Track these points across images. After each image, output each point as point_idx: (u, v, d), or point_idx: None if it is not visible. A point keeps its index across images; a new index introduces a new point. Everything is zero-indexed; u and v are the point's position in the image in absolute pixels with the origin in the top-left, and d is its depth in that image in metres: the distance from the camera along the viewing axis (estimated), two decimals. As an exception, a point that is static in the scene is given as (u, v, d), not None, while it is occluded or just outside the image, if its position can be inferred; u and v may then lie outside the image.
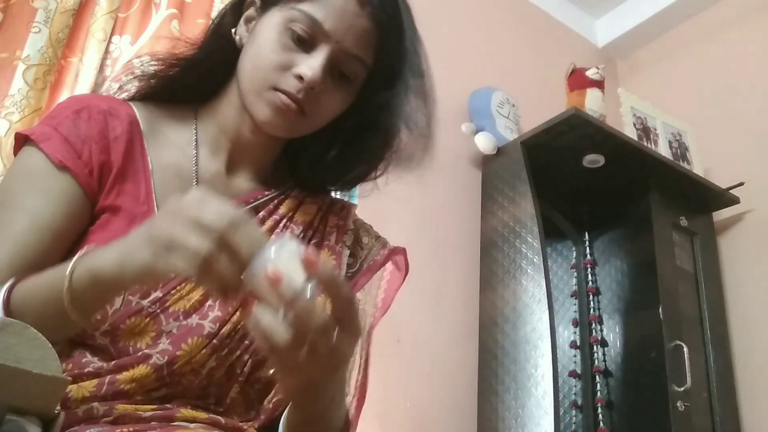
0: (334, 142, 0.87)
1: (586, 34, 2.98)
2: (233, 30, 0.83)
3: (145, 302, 0.72)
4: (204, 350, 0.72)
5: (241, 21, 0.83)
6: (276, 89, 0.76)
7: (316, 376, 0.60)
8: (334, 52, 0.77)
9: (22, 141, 0.78)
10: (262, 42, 0.78)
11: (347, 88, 0.81)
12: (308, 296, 0.53)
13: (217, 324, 0.73)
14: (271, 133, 0.81)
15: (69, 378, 0.50)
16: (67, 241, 0.75)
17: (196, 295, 0.74)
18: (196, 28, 1.73)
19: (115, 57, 1.63)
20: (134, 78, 0.86)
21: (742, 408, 2.11)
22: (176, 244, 0.54)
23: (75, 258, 0.61)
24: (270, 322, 0.53)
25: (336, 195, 0.97)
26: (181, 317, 0.72)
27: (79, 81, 1.54)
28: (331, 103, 0.80)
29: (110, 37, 1.62)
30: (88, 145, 0.76)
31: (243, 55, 0.81)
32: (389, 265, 0.92)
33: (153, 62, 0.85)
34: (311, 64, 0.75)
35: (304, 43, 0.77)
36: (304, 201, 0.88)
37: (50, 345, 0.47)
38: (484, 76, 2.40)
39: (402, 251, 0.93)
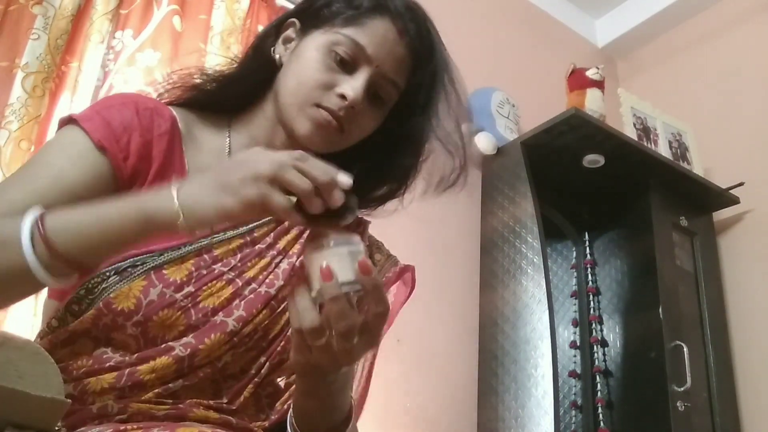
0: (356, 160, 0.90)
1: (586, 34, 2.97)
2: (272, 49, 0.88)
3: (178, 296, 0.75)
4: (224, 346, 0.76)
5: (280, 41, 0.88)
6: (319, 106, 0.81)
7: (323, 365, 0.65)
8: (374, 75, 0.82)
9: (64, 124, 0.80)
10: (306, 61, 0.82)
11: (380, 109, 0.86)
12: (347, 294, 0.59)
13: (240, 323, 0.77)
14: (309, 146, 0.83)
15: (69, 401, 0.49)
16: None
17: (226, 293, 0.78)
18: (198, 23, 1.75)
19: (118, 50, 1.64)
20: (176, 88, 0.90)
21: (742, 408, 2.11)
22: (250, 178, 0.60)
23: (173, 190, 0.64)
24: (305, 305, 0.61)
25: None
26: (209, 313, 0.76)
27: (79, 85, 1.54)
28: (366, 123, 0.85)
29: (113, 33, 1.63)
30: (128, 133, 0.78)
31: (284, 72, 0.85)
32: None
33: (197, 75, 0.90)
34: (353, 85, 0.81)
35: (347, 65, 0.82)
36: None
37: (52, 360, 0.47)
38: (484, 76, 2.40)
39: (411, 269, 0.98)
